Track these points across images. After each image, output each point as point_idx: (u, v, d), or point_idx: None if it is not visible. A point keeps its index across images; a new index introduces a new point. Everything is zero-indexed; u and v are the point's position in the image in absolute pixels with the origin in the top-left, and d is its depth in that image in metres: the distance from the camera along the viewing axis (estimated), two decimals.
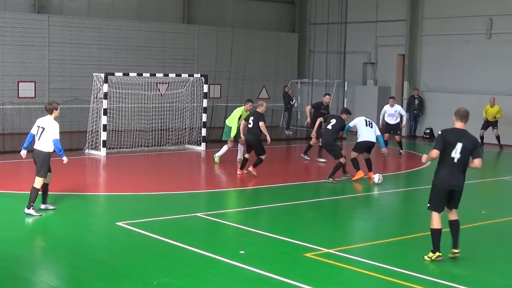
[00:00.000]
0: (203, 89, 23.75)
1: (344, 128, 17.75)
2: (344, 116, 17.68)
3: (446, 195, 10.07)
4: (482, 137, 25.79)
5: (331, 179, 16.91)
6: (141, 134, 23.37)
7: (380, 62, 32.67)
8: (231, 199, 15.64)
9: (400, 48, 31.31)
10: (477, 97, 27.46)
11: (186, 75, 24.32)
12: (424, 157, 10.23)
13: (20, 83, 26.65)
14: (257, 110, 17.64)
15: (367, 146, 17.47)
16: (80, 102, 25.26)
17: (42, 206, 13.09)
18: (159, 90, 25.38)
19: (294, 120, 31.82)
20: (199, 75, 24.22)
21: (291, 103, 31.05)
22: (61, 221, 12.60)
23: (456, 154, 9.89)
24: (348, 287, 9.14)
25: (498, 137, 26.00)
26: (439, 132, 10.17)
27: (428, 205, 10.24)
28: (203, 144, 23.15)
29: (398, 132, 23.56)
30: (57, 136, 12.78)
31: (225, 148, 19.80)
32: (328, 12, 32.44)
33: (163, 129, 24.05)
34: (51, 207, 13.21)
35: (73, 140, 23.09)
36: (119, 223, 12.23)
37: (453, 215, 10.28)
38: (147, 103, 24.21)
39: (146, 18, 30.19)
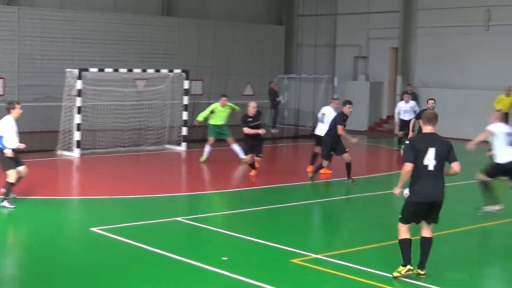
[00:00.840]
0: (183, 86, 23.70)
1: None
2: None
3: (425, 208, 9.52)
4: None
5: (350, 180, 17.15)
6: (118, 133, 23.25)
7: (372, 56, 32.73)
8: (213, 202, 15.61)
9: (393, 41, 31.38)
10: (475, 92, 27.60)
11: (166, 71, 24.24)
12: (397, 190, 9.63)
13: None
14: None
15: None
16: (52, 100, 25.07)
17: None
18: (137, 86, 25.32)
19: (281, 118, 31.84)
20: (179, 71, 24.15)
21: (277, 99, 31.04)
22: (31, 227, 12.51)
23: (430, 161, 9.37)
24: None
25: None
26: (406, 142, 9.99)
27: (400, 216, 9.65)
28: (184, 144, 23.08)
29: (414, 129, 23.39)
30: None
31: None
32: (317, 3, 32.51)
33: (141, 128, 23.98)
34: (9, 206, 13.54)
35: (45, 140, 22.97)
36: (94, 229, 12.14)
37: (426, 231, 9.70)
38: (124, 101, 24.12)
39: (123, 10, 30.07)
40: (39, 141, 22.78)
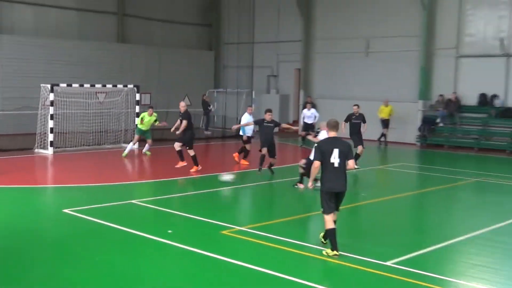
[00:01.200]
0: (135, 97, 23.48)
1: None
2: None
3: (334, 198, 9.31)
4: (385, 135, 26.52)
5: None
6: (83, 135, 22.85)
7: (281, 75, 33.11)
8: (160, 188, 15.51)
9: (297, 63, 31.83)
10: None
11: (121, 86, 23.96)
12: (310, 184, 9.56)
13: None
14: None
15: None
16: (30, 109, 24.42)
17: None
18: (98, 98, 24.89)
19: (212, 123, 31.90)
20: (132, 86, 23.91)
21: (209, 108, 31.09)
22: (13, 210, 12.21)
23: (335, 159, 9.23)
24: (258, 259, 9.15)
25: (385, 135, 26.60)
26: (316, 145, 9.67)
27: (322, 209, 9.34)
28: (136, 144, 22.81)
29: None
30: None
31: (130, 145, 20.70)
32: (239, 34, 32.66)
33: (102, 131, 23.61)
34: None
35: (25, 140, 22.40)
36: (66, 210, 11.98)
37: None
38: (88, 109, 23.67)
39: (87, 37, 29.55)
40: (20, 142, 22.23)
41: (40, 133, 21.38)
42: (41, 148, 21.10)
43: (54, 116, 21.14)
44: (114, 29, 31.06)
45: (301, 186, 14.87)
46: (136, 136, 20.81)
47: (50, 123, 20.81)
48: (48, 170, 18.55)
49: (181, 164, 17.28)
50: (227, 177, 15.67)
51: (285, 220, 11.77)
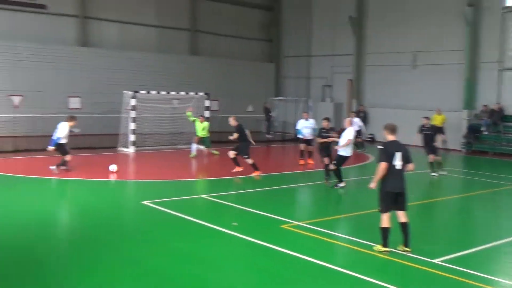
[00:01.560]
0: (205, 103, 23.64)
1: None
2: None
3: (393, 198, 8.89)
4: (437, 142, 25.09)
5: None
6: (160, 136, 23.15)
7: (335, 85, 32.71)
8: (228, 185, 15.49)
9: (350, 75, 31.36)
10: (406, 111, 27.62)
11: (193, 93, 24.17)
12: (373, 184, 8.92)
13: (70, 98, 26.38)
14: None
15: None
16: (114, 112, 24.98)
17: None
18: (172, 103, 25.24)
19: (272, 127, 31.77)
20: (202, 93, 24.09)
21: (270, 114, 31.00)
22: (95, 201, 12.39)
23: (397, 162, 8.86)
24: (314, 251, 8.97)
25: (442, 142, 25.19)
26: (381, 148, 9.02)
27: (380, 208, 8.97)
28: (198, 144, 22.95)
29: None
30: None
31: (194, 145, 20.57)
32: (298, 48, 32.49)
33: (176, 133, 23.90)
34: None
35: (110, 140, 22.90)
36: (144, 202, 12.12)
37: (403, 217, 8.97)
38: (164, 113, 24.04)
39: (163, 50, 30.01)
40: (106, 141, 22.71)
41: (123, 133, 21.81)
42: (123, 147, 21.52)
43: (135, 119, 21.49)
44: (187, 43, 31.44)
45: (341, 184, 14.51)
46: (196, 137, 20.58)
47: (132, 125, 21.20)
48: (129, 166, 18.86)
49: (237, 169, 16.99)
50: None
51: (341, 216, 11.54)
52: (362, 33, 30.45)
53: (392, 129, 9.10)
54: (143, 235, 9.65)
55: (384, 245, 8.94)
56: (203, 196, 13.16)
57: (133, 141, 21.20)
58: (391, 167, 8.86)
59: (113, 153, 20.58)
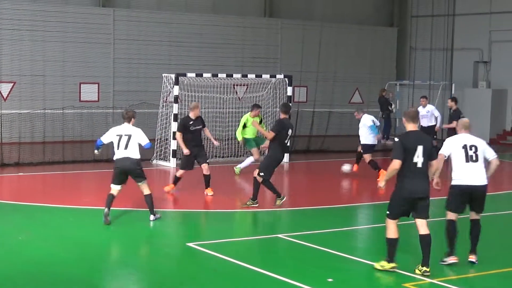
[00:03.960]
0: (286, 92, 23.75)
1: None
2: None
3: (409, 203, 10.54)
4: None
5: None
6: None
7: (494, 61, 31.98)
8: (315, 218, 15.46)
9: None
10: None
11: (268, 76, 24.40)
12: (382, 183, 10.89)
13: (82, 85, 27.32)
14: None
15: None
16: (147, 107, 25.60)
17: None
18: (236, 93, 25.48)
19: (393, 129, 31.39)
20: (282, 76, 24.25)
21: (390, 108, 30.60)
22: (128, 241, 12.79)
23: (418, 158, 10.35)
24: None
25: None
26: (396, 139, 10.63)
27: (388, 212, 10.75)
28: (286, 155, 23.02)
29: (435, 136, 22.98)
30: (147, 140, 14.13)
31: (249, 159, 20.57)
32: (433, 3, 32.07)
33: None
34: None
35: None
36: (190, 244, 12.35)
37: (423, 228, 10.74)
38: (223, 108, 24.31)
39: (223, 11, 30.48)
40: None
41: (160, 138, 22.26)
42: (160, 159, 21.98)
43: (179, 116, 21.64)
44: (259, 0, 31.80)
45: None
46: (254, 149, 20.48)
47: (174, 126, 21.49)
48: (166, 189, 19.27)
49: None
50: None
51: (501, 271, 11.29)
52: None
53: (413, 117, 10.63)
54: None
55: (390, 261, 10.56)
56: (279, 235, 13.23)
57: (174, 150, 21.56)
58: (410, 165, 10.35)
59: (144, 169, 20.98)
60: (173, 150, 21.54)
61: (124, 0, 28.67)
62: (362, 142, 19.87)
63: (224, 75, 23.49)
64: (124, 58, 27.88)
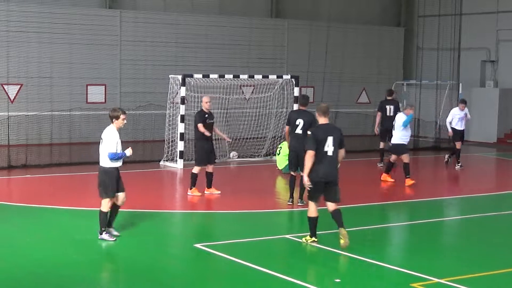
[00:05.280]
0: (293, 93, 23.75)
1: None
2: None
3: (323, 186, 12.06)
4: None
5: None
6: (223, 143, 23.31)
7: (502, 60, 31.92)
8: (323, 218, 15.46)
9: None
10: None
11: (275, 77, 24.37)
12: (305, 179, 12.07)
13: (89, 87, 27.36)
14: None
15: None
16: (155, 108, 25.64)
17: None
18: (243, 93, 25.48)
19: None
20: (289, 77, 24.23)
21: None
22: (135, 243, 12.79)
23: (329, 147, 11.94)
24: None
25: None
26: (309, 133, 12.24)
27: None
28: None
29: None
30: (112, 150, 12.37)
31: None
32: (440, 3, 32.03)
33: (248, 138, 24.12)
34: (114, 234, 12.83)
35: (147, 150, 23.44)
36: (197, 245, 12.36)
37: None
38: (230, 109, 24.33)
39: (229, 12, 30.45)
40: (142, 152, 23.22)
41: (168, 140, 22.29)
42: (168, 160, 22.00)
43: (186, 117, 21.81)
44: (266, 0, 31.82)
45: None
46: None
47: (180, 127, 21.57)
48: (176, 190, 19.27)
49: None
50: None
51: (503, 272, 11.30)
52: None
53: (324, 111, 12.14)
54: None
55: (312, 235, 12.36)
56: (287, 236, 13.26)
57: (182, 151, 21.59)
58: (322, 153, 11.95)
59: (152, 171, 21.08)
60: (180, 151, 21.57)
61: (131, 1, 28.69)
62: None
63: (230, 76, 23.48)
64: (131, 59, 27.88)
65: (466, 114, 22.80)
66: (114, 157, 12.37)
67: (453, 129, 22.54)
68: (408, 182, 18.86)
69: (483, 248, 13.18)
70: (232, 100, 24.57)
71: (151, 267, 11.31)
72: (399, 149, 19.00)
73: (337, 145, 12.04)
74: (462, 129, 22.65)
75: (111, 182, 12.49)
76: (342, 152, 12.18)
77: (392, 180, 19.34)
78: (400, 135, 18.87)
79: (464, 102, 22.97)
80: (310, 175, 11.94)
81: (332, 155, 12.00)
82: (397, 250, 12.83)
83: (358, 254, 11.92)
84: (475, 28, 32.13)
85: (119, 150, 12.45)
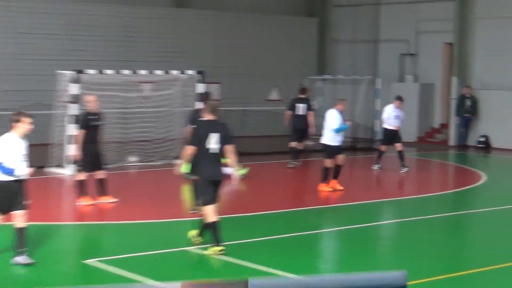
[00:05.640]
0: (197, 89, 23.66)
1: None
2: None
3: (212, 186, 12.43)
4: None
5: None
6: (120, 146, 23.17)
7: (421, 53, 32.54)
8: (229, 226, 15.42)
9: (447, 35, 31.20)
10: None
11: (177, 72, 24.27)
12: (176, 170, 13.20)
13: None
14: None
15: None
16: (42, 108, 25.09)
17: None
18: (142, 91, 25.33)
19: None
20: (193, 72, 24.14)
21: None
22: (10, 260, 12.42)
23: (212, 144, 12.26)
24: None
25: None
26: (193, 128, 12.91)
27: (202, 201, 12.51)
28: None
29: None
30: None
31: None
32: None
33: (147, 140, 23.97)
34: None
35: (33, 155, 22.81)
36: (88, 261, 12.15)
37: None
38: (127, 108, 24.13)
39: (127, 1, 30.19)
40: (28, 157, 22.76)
41: (56, 143, 21.92)
42: (56, 166, 21.63)
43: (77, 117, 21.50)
44: None
45: None
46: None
47: (70, 129, 21.23)
48: (64, 199, 18.93)
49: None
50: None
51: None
52: None
53: (213, 109, 12.57)
54: None
55: (218, 243, 12.24)
56: (187, 248, 13.13)
57: (72, 156, 21.22)
58: (204, 151, 12.28)
59: (37, 177, 20.63)
60: (70, 155, 21.21)
61: None
62: None
63: (128, 72, 23.35)
64: (14, 53, 27.23)
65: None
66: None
67: (386, 129, 22.82)
68: (323, 187, 18.92)
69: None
70: (130, 99, 24.35)
71: (35, 285, 10.98)
72: (330, 151, 18.96)
73: (223, 142, 12.39)
74: (395, 128, 22.83)
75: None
76: (229, 149, 12.47)
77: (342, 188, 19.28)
78: (331, 136, 18.81)
79: (400, 99, 23.24)
80: (197, 175, 12.56)
81: (217, 153, 12.37)
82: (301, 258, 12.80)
83: (260, 264, 11.91)
84: (394, 18, 32.65)
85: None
